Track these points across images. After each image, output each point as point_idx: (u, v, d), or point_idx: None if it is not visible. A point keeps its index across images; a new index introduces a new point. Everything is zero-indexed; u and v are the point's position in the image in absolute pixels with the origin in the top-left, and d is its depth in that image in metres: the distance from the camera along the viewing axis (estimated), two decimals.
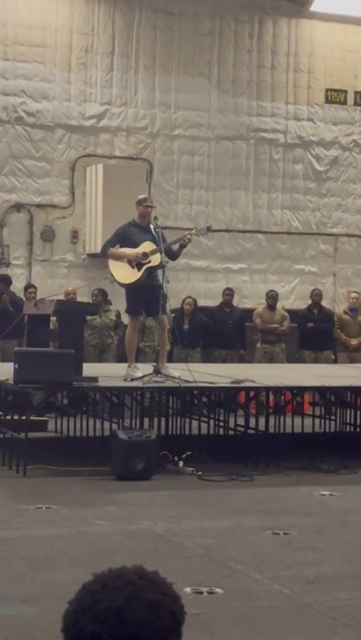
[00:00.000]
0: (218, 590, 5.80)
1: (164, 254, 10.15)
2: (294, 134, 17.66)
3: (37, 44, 16.13)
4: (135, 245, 10.16)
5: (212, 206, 17.17)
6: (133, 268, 10.12)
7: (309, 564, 6.50)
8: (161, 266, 10.09)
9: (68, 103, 16.34)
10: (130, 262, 10.12)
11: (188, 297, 15.13)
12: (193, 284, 16.76)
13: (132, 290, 10.34)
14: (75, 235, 16.33)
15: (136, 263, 10.11)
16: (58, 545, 6.86)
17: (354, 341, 15.28)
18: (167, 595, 1.71)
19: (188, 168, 17.03)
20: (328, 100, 17.86)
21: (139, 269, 10.11)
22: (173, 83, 16.93)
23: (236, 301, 16.06)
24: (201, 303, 15.46)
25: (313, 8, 17.57)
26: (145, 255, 10.09)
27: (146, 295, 10.14)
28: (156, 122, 16.84)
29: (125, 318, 13.63)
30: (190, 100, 16.99)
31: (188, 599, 1.64)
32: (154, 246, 10.10)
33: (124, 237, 10.28)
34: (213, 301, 15.97)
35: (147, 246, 10.13)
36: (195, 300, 15.11)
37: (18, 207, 16.11)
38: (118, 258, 10.19)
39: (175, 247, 10.36)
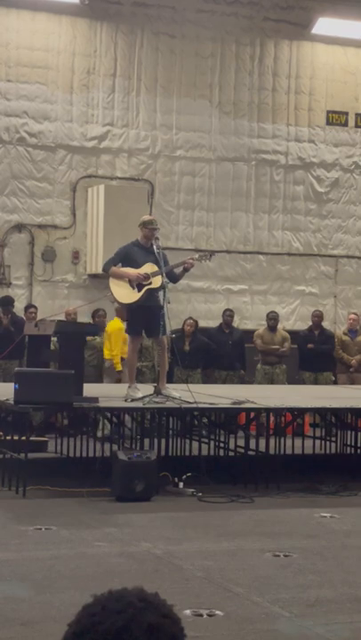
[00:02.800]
0: (218, 612, 5.77)
1: (165, 276, 10.16)
2: (295, 156, 17.71)
3: (40, 66, 16.21)
4: (138, 266, 10.17)
5: (213, 227, 17.21)
6: (134, 288, 10.13)
7: (310, 586, 6.47)
8: (162, 287, 10.10)
9: (69, 124, 16.40)
10: (131, 282, 10.13)
11: (190, 318, 15.14)
12: (193, 304, 16.77)
13: (132, 310, 10.35)
14: (76, 255, 16.36)
15: (137, 284, 10.12)
16: (57, 566, 6.82)
17: (353, 360, 15.27)
18: (167, 617, 1.70)
19: (189, 189, 17.08)
20: (329, 122, 17.93)
21: (139, 290, 10.12)
22: (175, 104, 17.00)
23: (236, 322, 16.06)
24: (202, 324, 15.47)
25: (314, 31, 17.67)
26: (147, 276, 10.10)
27: (146, 316, 10.15)
28: (157, 143, 16.90)
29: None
30: (191, 121, 17.06)
31: (187, 621, 1.63)
32: (156, 268, 10.12)
33: (126, 257, 10.30)
34: (214, 322, 15.98)
35: (149, 267, 10.15)
36: (196, 322, 15.12)
37: (19, 227, 16.15)
38: (120, 277, 10.20)
39: (178, 270, 10.37)
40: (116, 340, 13.97)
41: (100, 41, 16.57)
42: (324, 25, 17.62)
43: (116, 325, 13.98)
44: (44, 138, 16.25)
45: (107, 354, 14.16)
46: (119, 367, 13.99)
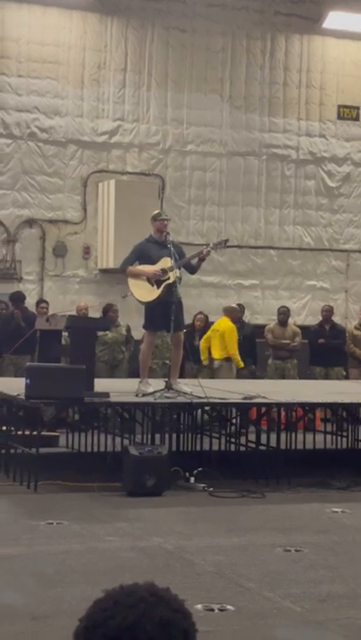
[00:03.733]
0: (229, 607, 5.76)
1: (182, 269, 10.17)
2: (306, 150, 17.68)
3: (50, 61, 16.21)
4: (152, 262, 10.17)
5: (224, 222, 17.19)
6: (153, 285, 10.14)
7: (321, 581, 6.46)
8: (179, 281, 10.10)
9: (80, 119, 16.40)
10: (149, 280, 10.14)
11: (200, 313, 15.13)
12: (205, 299, 16.75)
13: (151, 306, 10.34)
14: (87, 250, 16.36)
15: (155, 280, 10.12)
16: (68, 561, 6.83)
17: None
18: (179, 612, 1.69)
19: (199, 184, 17.06)
20: (340, 117, 17.88)
21: (158, 287, 10.12)
22: (186, 99, 16.98)
23: (247, 317, 16.05)
24: (212, 319, 15.45)
25: (325, 25, 17.62)
26: (164, 272, 10.10)
27: (164, 311, 10.12)
28: (168, 138, 16.88)
29: (136, 333, 13.66)
30: (202, 116, 17.04)
31: (199, 616, 1.63)
32: (170, 262, 10.11)
33: (141, 254, 10.29)
34: None
35: (164, 262, 10.14)
36: (206, 317, 15.11)
37: (30, 223, 16.16)
38: (137, 276, 10.21)
39: (194, 261, 10.37)
40: (230, 339, 14.19)
41: (111, 36, 16.55)
42: (336, 19, 17.57)
43: (226, 324, 14.29)
44: (55, 133, 16.25)
45: (216, 354, 14.25)
46: (241, 364, 14.25)
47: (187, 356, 13.33)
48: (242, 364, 14.27)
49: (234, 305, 15.23)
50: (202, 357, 14.30)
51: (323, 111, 17.81)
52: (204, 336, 14.49)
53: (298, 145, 17.63)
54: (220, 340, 14.22)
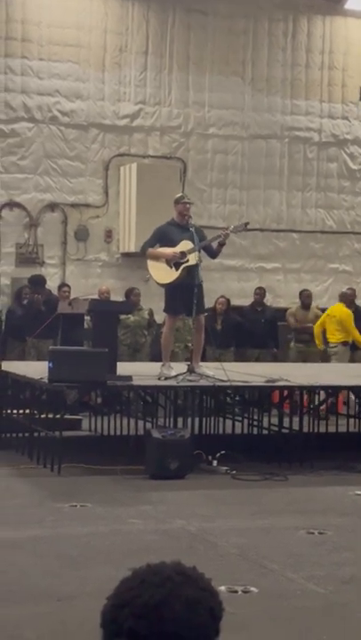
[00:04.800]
0: (253, 589, 5.78)
1: (202, 252, 10.16)
2: (329, 133, 17.58)
3: (71, 44, 16.18)
4: (174, 244, 10.16)
5: (246, 205, 17.13)
6: (171, 267, 10.13)
7: (344, 563, 6.47)
8: (198, 264, 10.08)
9: (101, 102, 16.37)
10: (168, 262, 10.13)
11: (221, 297, 15.11)
12: (226, 283, 16.73)
13: (170, 289, 10.33)
14: (108, 234, 16.37)
15: (174, 263, 10.11)
16: (92, 543, 6.87)
17: None
18: (206, 591, 1.70)
19: (221, 167, 17.01)
20: None
21: (177, 269, 10.12)
22: (207, 82, 16.91)
23: (269, 301, 16.02)
24: (235, 302, 15.45)
25: (347, 6, 17.48)
26: (183, 254, 10.08)
27: (184, 294, 10.11)
28: (189, 121, 16.83)
29: (158, 317, 13.66)
30: (224, 99, 16.97)
31: (222, 598, 1.63)
32: (191, 245, 10.09)
33: (162, 237, 10.28)
34: (247, 301, 15.94)
35: (185, 245, 10.13)
36: (228, 300, 15.09)
37: (52, 207, 16.17)
38: (156, 258, 10.21)
39: (214, 245, 10.36)
40: (350, 324, 14.75)
41: (132, 18, 16.49)
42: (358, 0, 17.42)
43: (342, 310, 14.86)
44: (77, 116, 16.23)
45: (333, 338, 14.79)
46: None
47: (208, 340, 13.35)
48: None
49: (345, 290, 15.69)
50: (317, 342, 14.89)
51: (345, 93, 17.69)
52: (318, 322, 14.97)
53: (320, 127, 17.53)
54: (337, 325, 14.75)
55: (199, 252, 10.08)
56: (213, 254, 10.47)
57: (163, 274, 10.17)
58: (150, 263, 10.28)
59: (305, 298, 15.52)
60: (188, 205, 10.37)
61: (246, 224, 11.20)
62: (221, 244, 10.34)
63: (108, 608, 1.69)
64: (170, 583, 1.68)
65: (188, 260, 10.08)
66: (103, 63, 16.39)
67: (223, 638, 1.74)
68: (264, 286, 16.06)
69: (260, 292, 15.58)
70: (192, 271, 10.10)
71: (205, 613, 1.68)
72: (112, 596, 1.71)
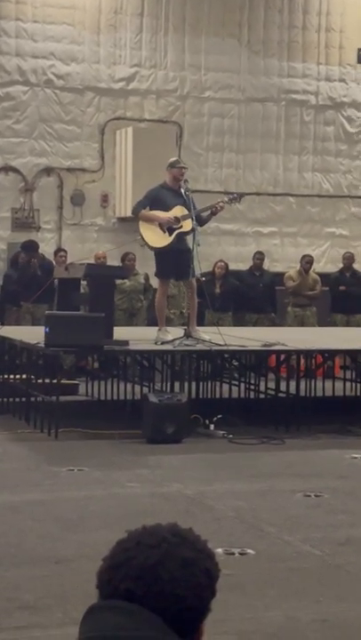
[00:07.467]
0: (249, 551, 5.82)
1: (194, 219, 10.09)
2: (326, 95, 17.46)
3: (66, 6, 16.01)
4: (167, 209, 10.09)
5: (243, 169, 17.05)
6: (165, 232, 10.07)
7: (340, 526, 6.51)
8: (192, 231, 10.02)
9: (97, 66, 16.23)
10: (161, 226, 10.07)
11: (220, 261, 15.08)
12: (223, 247, 16.69)
13: (161, 254, 10.29)
14: (104, 199, 16.29)
15: (167, 227, 10.06)
16: (90, 507, 6.90)
17: None
18: (201, 552, 1.70)
19: (218, 131, 16.91)
20: (360, 61, 17.62)
21: (170, 234, 10.06)
22: (203, 44, 16.76)
23: (266, 265, 15.99)
24: (232, 267, 15.41)
25: None
26: (177, 220, 10.03)
27: (175, 259, 10.09)
28: (185, 84, 16.71)
29: (154, 282, 13.63)
30: (220, 61, 16.83)
31: (219, 560, 1.64)
32: (185, 211, 10.03)
33: (155, 200, 10.21)
34: (244, 265, 15.92)
35: (178, 210, 10.06)
36: (226, 264, 15.07)
37: (48, 171, 16.09)
38: (150, 220, 10.14)
39: (205, 214, 10.29)
40: None
41: None
42: None
43: None
44: (72, 80, 16.10)
45: None
46: None
47: (206, 305, 13.34)
48: None
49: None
50: None
51: (343, 55, 17.55)
52: None
53: (317, 90, 17.41)
54: None
55: (192, 218, 10.01)
56: (202, 223, 10.38)
57: (156, 237, 10.11)
58: (143, 225, 10.21)
59: (305, 264, 15.47)
60: (183, 170, 10.30)
61: (241, 195, 11.13)
62: (213, 214, 10.29)
63: (103, 569, 1.69)
64: (166, 544, 1.68)
65: (182, 227, 10.03)
66: (98, 25, 16.23)
67: (219, 599, 1.74)
68: (261, 250, 16.01)
69: (260, 257, 15.55)
70: (183, 237, 10.07)
71: (201, 574, 1.68)
72: (108, 557, 1.71)
